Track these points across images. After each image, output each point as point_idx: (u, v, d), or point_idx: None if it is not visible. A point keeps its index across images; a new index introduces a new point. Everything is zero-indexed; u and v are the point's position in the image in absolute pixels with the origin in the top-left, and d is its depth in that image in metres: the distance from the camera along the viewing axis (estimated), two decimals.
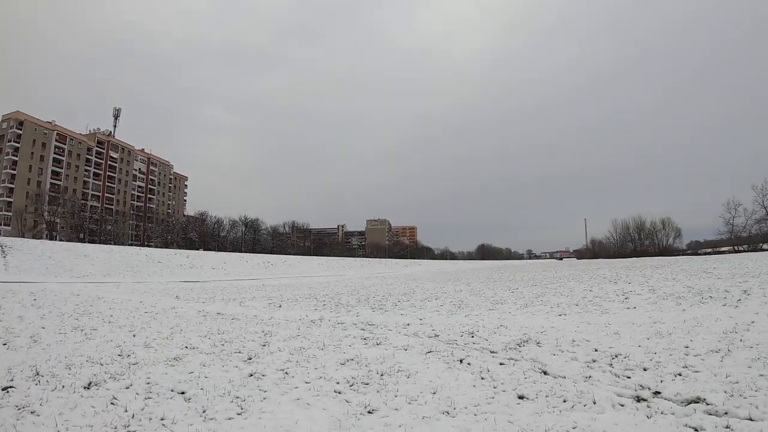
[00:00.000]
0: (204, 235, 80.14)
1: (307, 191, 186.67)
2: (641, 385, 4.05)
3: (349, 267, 63.39)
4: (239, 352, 6.25)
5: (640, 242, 78.26)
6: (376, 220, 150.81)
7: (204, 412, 3.78)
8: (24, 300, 13.70)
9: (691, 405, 3.46)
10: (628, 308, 9.64)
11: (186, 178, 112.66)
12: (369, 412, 3.72)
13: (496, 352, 6.08)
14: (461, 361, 5.55)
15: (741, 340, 5.25)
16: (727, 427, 3.00)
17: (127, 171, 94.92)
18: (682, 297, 10.33)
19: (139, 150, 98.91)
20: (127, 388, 4.43)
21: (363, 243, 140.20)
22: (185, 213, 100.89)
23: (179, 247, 69.09)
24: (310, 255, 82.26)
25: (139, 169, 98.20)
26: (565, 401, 3.83)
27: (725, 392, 3.58)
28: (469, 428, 3.32)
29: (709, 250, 64.48)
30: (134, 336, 7.57)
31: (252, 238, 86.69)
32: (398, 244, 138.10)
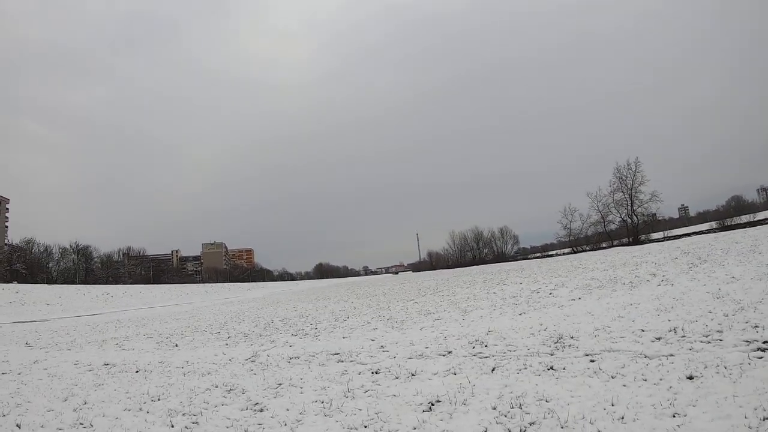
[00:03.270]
0: (31, 266, 69.69)
1: (137, 214, 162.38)
2: (746, 341, 5.10)
3: (194, 294, 59.45)
4: None
5: (479, 251, 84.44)
6: (211, 244, 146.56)
7: None
8: None
9: None
10: (573, 300, 10.56)
11: (7, 201, 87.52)
12: None
13: (554, 354, 5.90)
14: (551, 368, 5.20)
15: (738, 301, 6.95)
16: None
17: None
18: (604, 286, 11.56)
19: None
20: None
21: (199, 268, 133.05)
22: (7, 241, 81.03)
23: (5, 281, 56.96)
24: (149, 284, 76.51)
25: None
26: (728, 370, 4.49)
27: None
28: None
29: (538, 254, 74.53)
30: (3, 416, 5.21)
31: (85, 268, 79.84)
32: (237, 268, 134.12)
